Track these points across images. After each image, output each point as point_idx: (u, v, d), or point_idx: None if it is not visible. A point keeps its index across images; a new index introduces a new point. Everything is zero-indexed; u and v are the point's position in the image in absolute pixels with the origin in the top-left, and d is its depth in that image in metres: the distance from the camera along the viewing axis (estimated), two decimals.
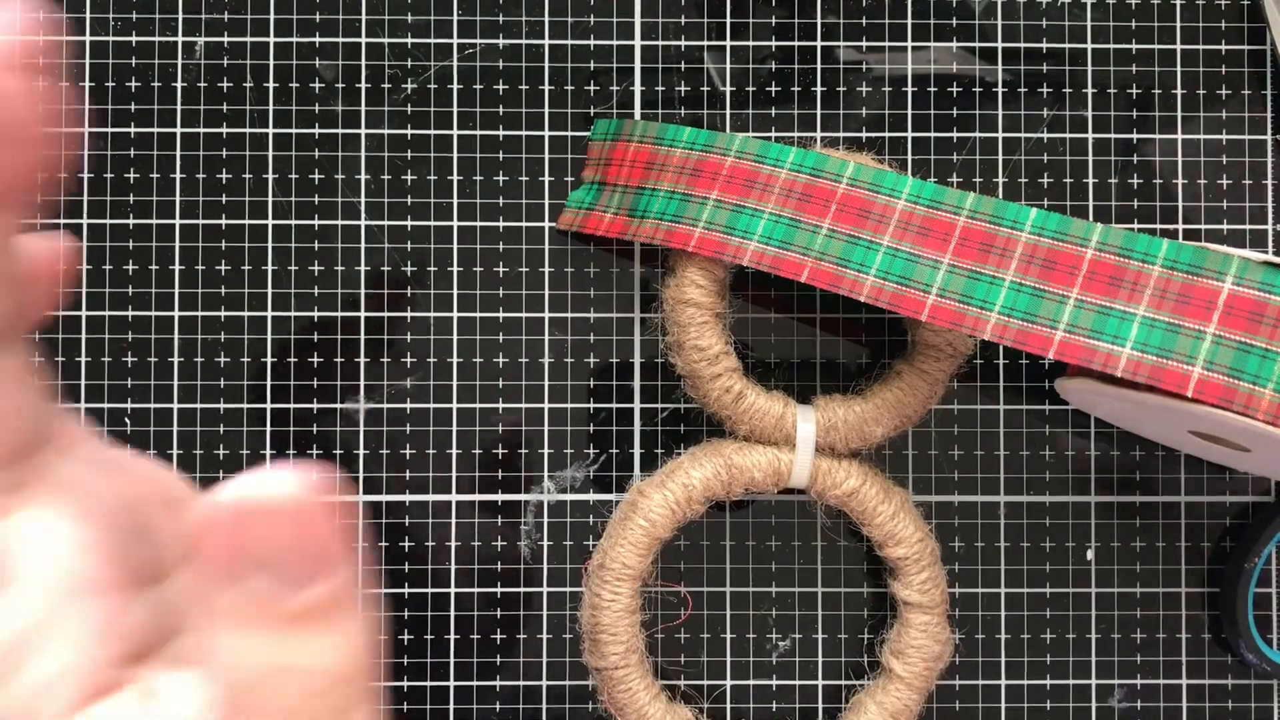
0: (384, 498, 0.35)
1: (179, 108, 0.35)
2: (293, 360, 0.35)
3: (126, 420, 0.35)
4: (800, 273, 0.31)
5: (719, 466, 0.33)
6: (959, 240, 0.30)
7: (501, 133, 0.36)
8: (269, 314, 0.35)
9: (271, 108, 0.36)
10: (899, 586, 0.34)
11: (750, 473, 0.33)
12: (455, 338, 0.35)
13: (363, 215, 0.36)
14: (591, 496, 0.36)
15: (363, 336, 0.36)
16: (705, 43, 0.36)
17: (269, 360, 0.35)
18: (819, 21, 0.36)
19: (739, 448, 0.33)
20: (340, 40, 0.36)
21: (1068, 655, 0.36)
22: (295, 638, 0.16)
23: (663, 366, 0.36)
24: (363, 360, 0.35)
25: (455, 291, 0.36)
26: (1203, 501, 0.36)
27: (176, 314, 0.35)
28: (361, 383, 0.35)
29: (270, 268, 0.35)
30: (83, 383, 0.35)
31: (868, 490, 0.33)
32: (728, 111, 0.36)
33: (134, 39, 0.36)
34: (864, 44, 0.36)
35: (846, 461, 0.34)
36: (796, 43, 0.36)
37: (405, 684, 0.35)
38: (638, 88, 0.36)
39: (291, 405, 0.35)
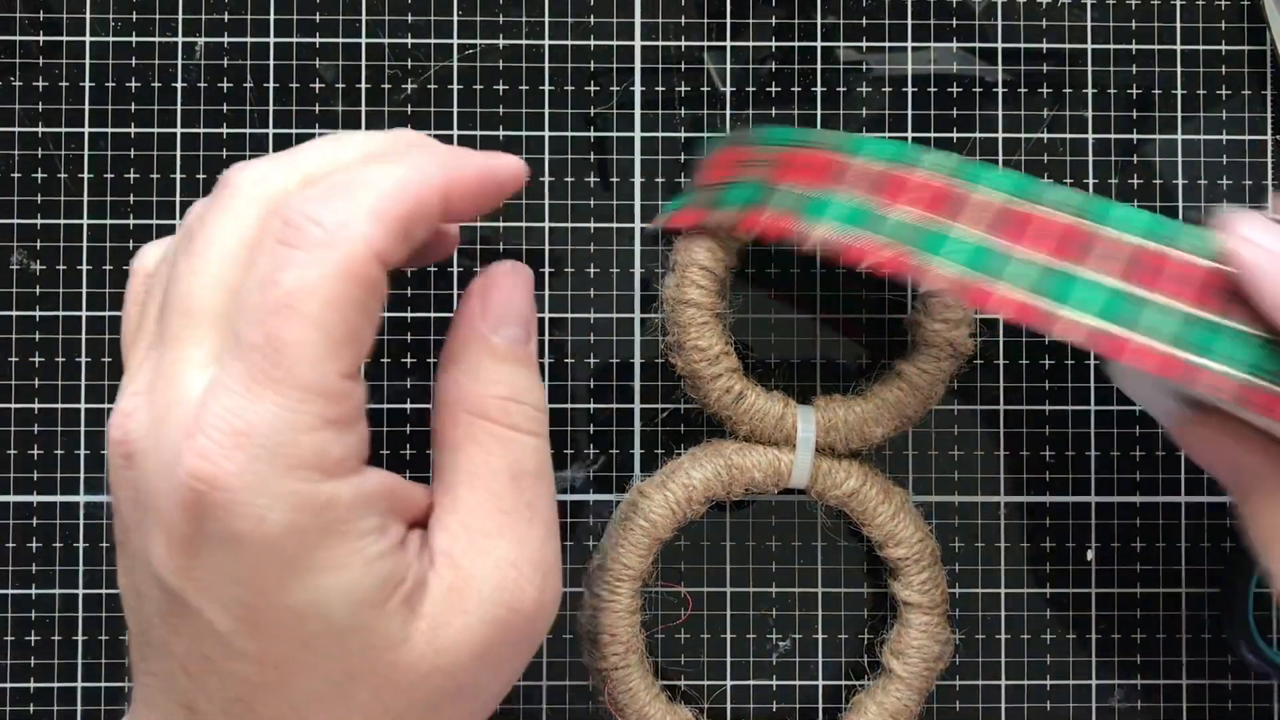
0: None
1: (179, 108, 0.35)
2: None
3: None
4: (986, 301, 0.28)
5: (719, 467, 0.33)
6: (1186, 282, 0.27)
7: (501, 133, 0.36)
8: None
9: (271, 108, 0.36)
10: (899, 587, 0.34)
11: (750, 473, 0.33)
12: None
13: None
14: (591, 497, 0.36)
15: None
16: (705, 43, 0.36)
17: None
18: (819, 21, 0.36)
19: (739, 448, 0.33)
20: (340, 40, 0.36)
21: (1068, 655, 0.36)
22: (528, 372, 0.27)
23: (663, 366, 0.36)
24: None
25: (455, 292, 0.36)
26: (1203, 502, 0.36)
27: None
28: None
29: None
30: (83, 383, 0.35)
31: (868, 491, 0.33)
32: (728, 112, 0.36)
33: (134, 39, 0.36)
34: (864, 44, 0.36)
35: (846, 462, 0.34)
36: (796, 43, 0.36)
37: None
38: (638, 88, 0.36)
39: None
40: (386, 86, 0.36)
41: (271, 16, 0.36)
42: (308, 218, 0.23)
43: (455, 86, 0.36)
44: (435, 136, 0.35)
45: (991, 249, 0.28)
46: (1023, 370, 0.36)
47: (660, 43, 0.36)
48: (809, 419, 0.33)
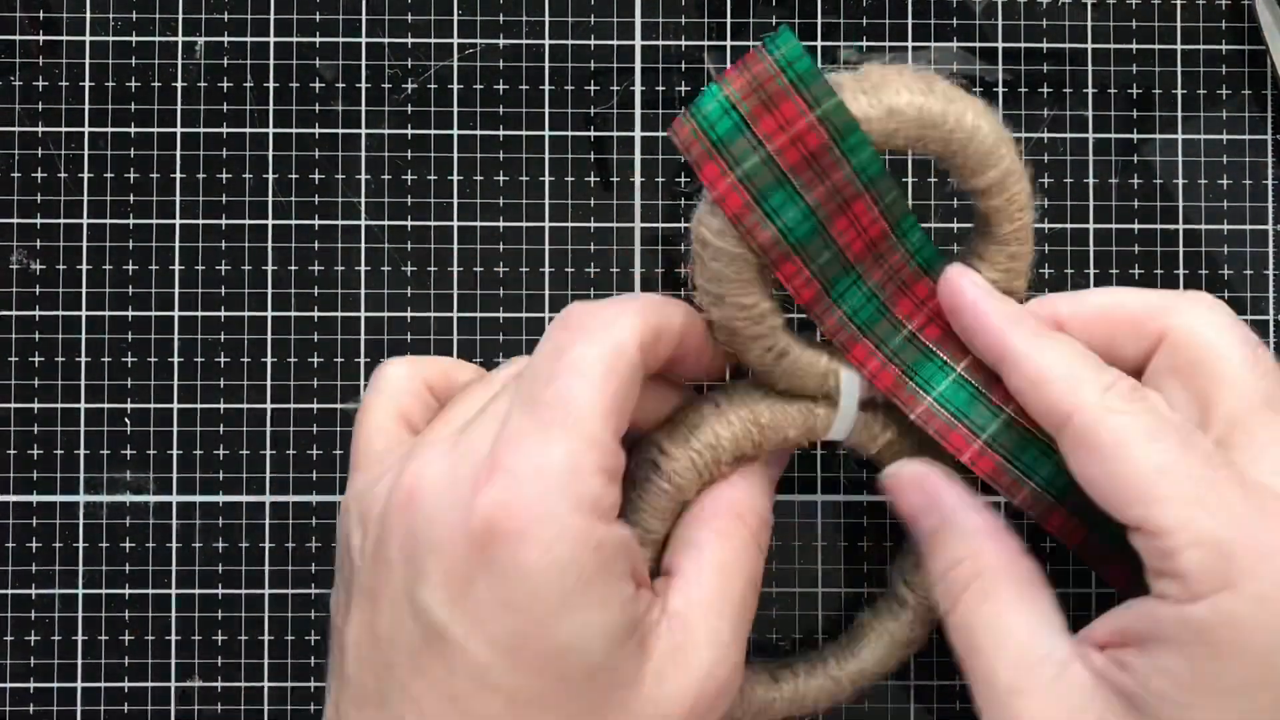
0: None
1: (179, 108, 0.35)
2: (293, 360, 0.35)
3: (126, 420, 0.35)
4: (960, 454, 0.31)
5: (749, 424, 0.30)
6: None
7: (501, 133, 0.36)
8: (269, 314, 0.35)
9: (271, 108, 0.36)
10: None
11: (784, 431, 0.30)
12: (455, 337, 0.36)
13: (363, 215, 0.36)
14: None
15: (363, 336, 0.36)
16: (705, 43, 0.36)
17: (269, 360, 0.35)
18: (819, 21, 0.36)
19: (770, 403, 0.30)
20: (340, 40, 0.36)
21: None
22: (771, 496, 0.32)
23: None
24: (363, 360, 0.35)
25: (455, 291, 0.36)
26: None
27: (176, 314, 0.35)
28: (361, 383, 0.35)
29: (270, 268, 0.35)
30: (82, 383, 0.35)
31: (903, 443, 0.31)
32: None
33: (134, 39, 0.36)
34: (864, 44, 0.36)
35: (884, 414, 0.31)
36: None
37: None
38: (638, 88, 0.36)
39: (291, 405, 0.35)
40: (386, 86, 0.36)
41: (271, 16, 0.36)
42: (585, 315, 0.27)
43: (455, 86, 0.36)
44: (435, 136, 0.35)
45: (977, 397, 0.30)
46: None
47: (660, 43, 0.36)
48: (853, 371, 0.30)
